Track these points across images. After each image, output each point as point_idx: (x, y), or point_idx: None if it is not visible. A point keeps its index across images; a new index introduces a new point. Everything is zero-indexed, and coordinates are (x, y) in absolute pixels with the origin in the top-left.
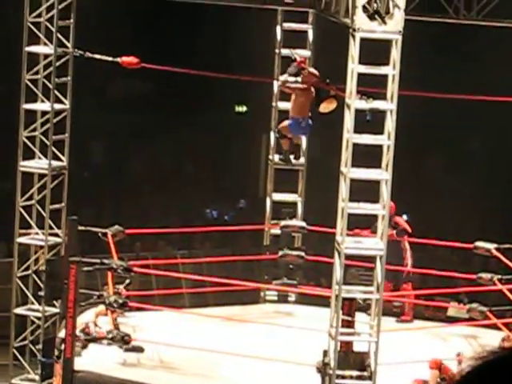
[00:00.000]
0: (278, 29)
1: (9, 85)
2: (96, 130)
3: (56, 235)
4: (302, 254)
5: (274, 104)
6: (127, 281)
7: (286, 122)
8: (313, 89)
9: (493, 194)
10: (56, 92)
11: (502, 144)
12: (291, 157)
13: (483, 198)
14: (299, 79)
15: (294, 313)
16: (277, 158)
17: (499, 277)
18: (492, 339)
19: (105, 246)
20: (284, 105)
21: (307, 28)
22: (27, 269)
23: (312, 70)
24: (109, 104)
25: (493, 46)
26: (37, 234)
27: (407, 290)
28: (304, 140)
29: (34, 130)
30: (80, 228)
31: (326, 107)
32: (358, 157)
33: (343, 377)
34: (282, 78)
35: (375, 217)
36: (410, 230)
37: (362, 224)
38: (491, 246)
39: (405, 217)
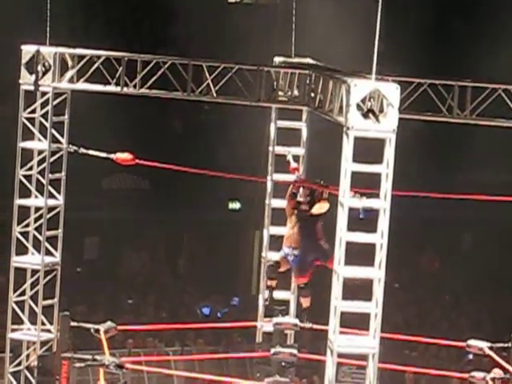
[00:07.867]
0: (272, 126)
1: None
2: (89, 225)
3: (48, 331)
4: (295, 351)
5: (267, 201)
6: (122, 380)
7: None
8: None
9: (486, 290)
10: (50, 187)
11: (492, 240)
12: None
13: (476, 293)
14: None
15: None
16: (270, 255)
17: (492, 376)
18: None
19: (97, 342)
20: (277, 202)
21: (301, 126)
22: (19, 364)
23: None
24: (102, 199)
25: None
26: (29, 329)
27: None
28: None
29: (28, 225)
30: (72, 324)
31: (319, 209)
32: (352, 254)
33: None
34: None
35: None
36: None
37: None
38: (484, 345)
39: None
